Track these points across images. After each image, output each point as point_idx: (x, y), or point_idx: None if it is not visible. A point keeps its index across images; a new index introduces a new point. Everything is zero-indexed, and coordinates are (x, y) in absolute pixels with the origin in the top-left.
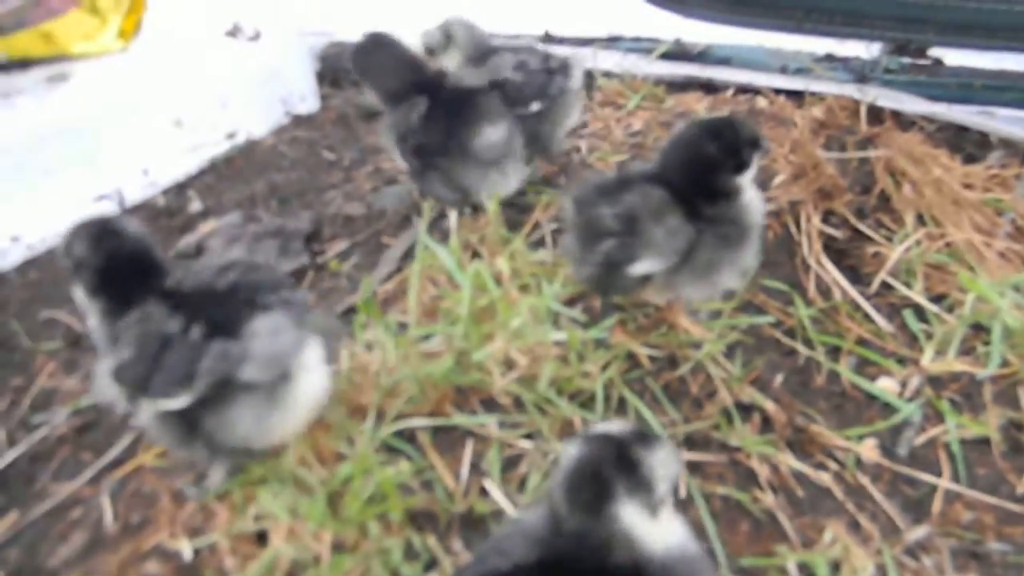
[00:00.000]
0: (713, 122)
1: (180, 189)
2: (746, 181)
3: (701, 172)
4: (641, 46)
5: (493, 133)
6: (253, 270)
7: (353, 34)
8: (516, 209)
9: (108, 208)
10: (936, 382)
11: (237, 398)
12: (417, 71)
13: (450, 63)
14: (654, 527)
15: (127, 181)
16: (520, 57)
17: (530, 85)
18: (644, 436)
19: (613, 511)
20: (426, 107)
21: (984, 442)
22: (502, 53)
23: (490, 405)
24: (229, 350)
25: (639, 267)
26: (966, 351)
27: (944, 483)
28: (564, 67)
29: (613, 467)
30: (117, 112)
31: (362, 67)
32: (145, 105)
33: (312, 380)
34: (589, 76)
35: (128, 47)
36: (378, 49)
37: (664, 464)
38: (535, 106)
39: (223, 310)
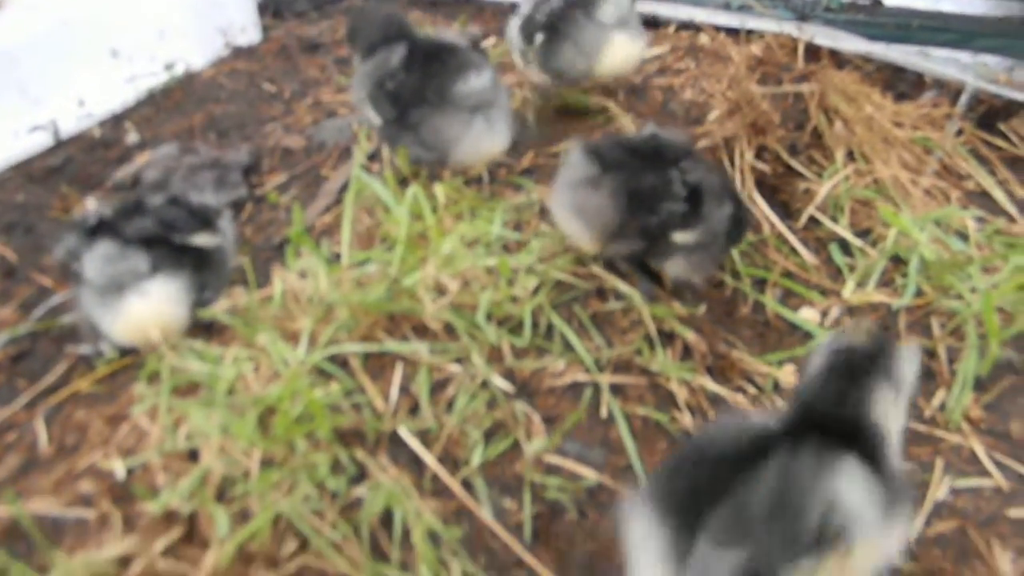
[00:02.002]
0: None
1: (116, 120)
2: None
3: None
4: None
5: (477, 80)
6: None
7: None
8: None
9: (42, 139)
10: (856, 312)
11: None
12: (401, 25)
13: None
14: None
15: (62, 112)
16: None
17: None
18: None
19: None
20: (407, 53)
21: None
22: None
23: (421, 331)
24: None
25: (687, 236)
26: (885, 283)
27: None
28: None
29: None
30: (52, 42)
31: (353, 24)
32: (81, 35)
33: None
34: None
35: None
36: (370, 10)
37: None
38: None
39: None
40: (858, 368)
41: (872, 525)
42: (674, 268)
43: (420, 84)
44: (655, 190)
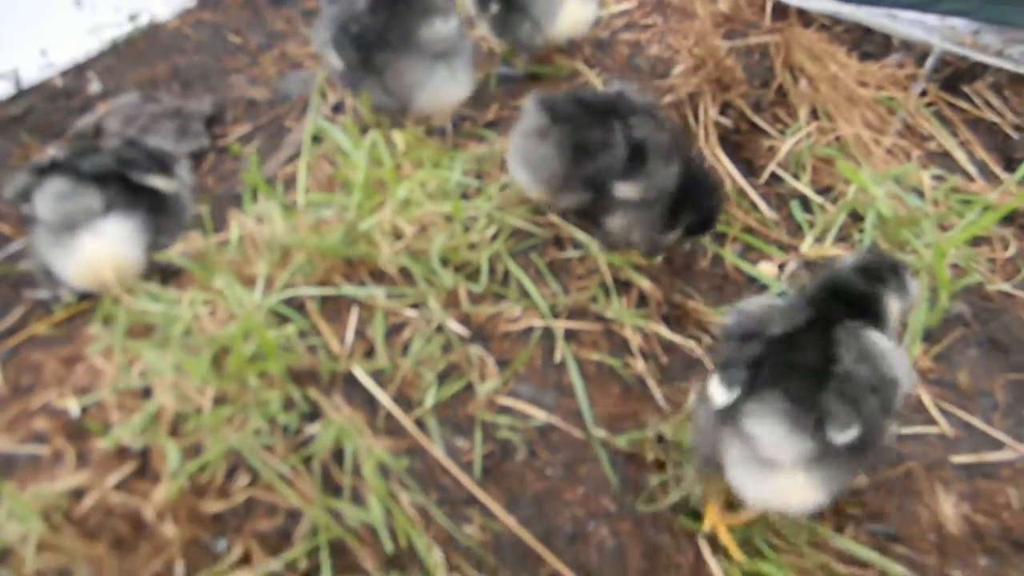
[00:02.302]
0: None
1: (79, 70)
2: None
3: None
4: None
5: (443, 25)
6: None
7: None
8: None
9: (3, 88)
10: (813, 266)
11: None
12: None
13: None
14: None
15: (24, 61)
16: None
17: None
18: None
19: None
20: None
21: None
22: None
23: (378, 276)
24: None
25: (628, 190)
26: (843, 238)
27: None
28: None
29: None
30: None
31: None
32: None
33: None
34: None
35: None
36: None
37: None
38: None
39: None
40: (882, 267)
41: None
42: (615, 223)
43: (385, 28)
44: (597, 143)
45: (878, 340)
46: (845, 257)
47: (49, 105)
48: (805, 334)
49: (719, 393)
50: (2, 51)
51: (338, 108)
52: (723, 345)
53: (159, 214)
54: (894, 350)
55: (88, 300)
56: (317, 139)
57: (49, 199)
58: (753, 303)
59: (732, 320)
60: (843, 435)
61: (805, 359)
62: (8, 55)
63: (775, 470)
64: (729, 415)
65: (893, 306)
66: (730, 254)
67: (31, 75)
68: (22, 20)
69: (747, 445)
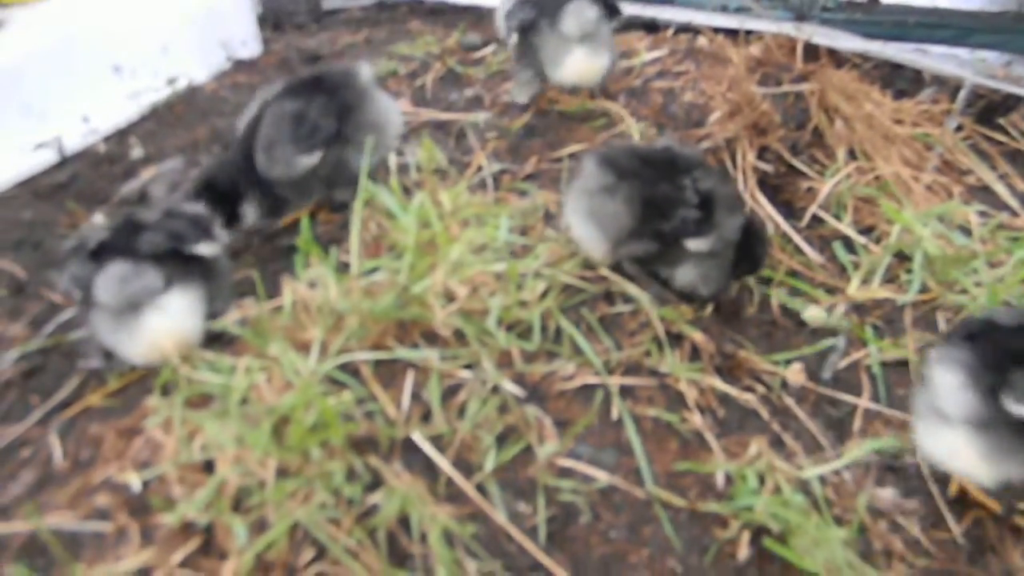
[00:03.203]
0: None
1: (121, 136)
2: None
3: None
4: None
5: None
6: None
7: None
8: (460, 150)
9: (47, 156)
10: (861, 309)
11: None
12: None
13: None
14: None
15: (67, 129)
16: None
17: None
18: None
19: None
20: None
21: (903, 364)
22: None
23: (431, 338)
24: None
25: (700, 244)
26: (890, 279)
27: (864, 403)
28: None
29: None
30: (55, 58)
31: None
32: (83, 51)
33: None
34: None
35: None
36: None
37: None
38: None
39: None
40: None
41: None
42: (684, 276)
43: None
44: (668, 198)
45: None
46: None
47: (93, 172)
48: None
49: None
50: (45, 119)
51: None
52: None
53: (210, 280)
54: None
55: (142, 368)
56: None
57: (112, 283)
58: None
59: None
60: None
61: None
62: (51, 123)
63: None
64: None
65: None
66: (777, 298)
67: (74, 142)
68: (63, 88)
69: None
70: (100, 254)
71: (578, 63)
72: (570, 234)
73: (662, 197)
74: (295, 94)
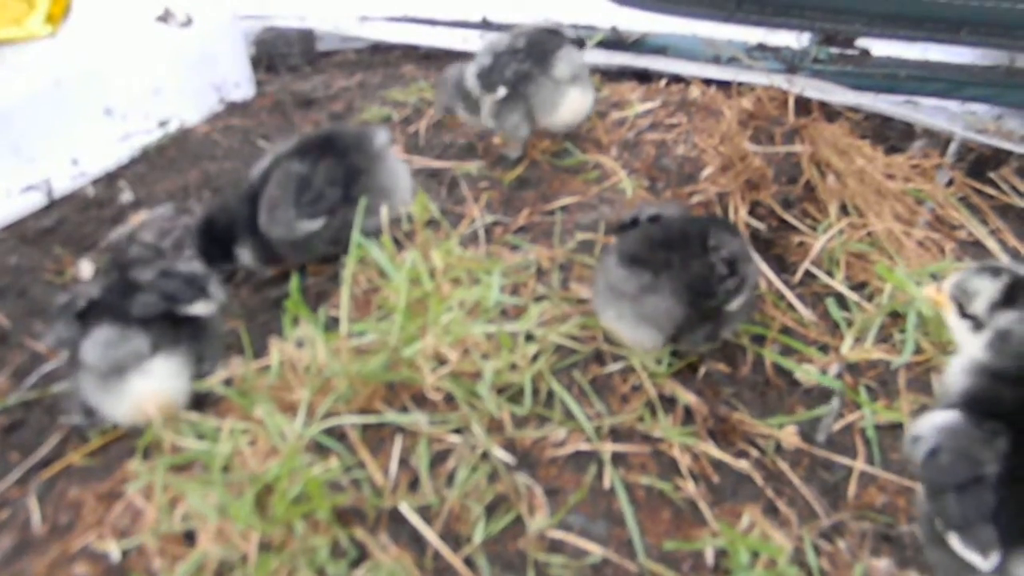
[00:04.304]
0: None
1: (110, 179)
2: None
3: None
4: (577, 33)
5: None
6: None
7: (288, 18)
8: (452, 199)
9: (35, 199)
10: (854, 369)
11: None
12: None
13: None
14: None
15: (56, 171)
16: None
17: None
18: None
19: None
20: None
21: (899, 427)
22: None
23: (419, 400)
24: None
25: (739, 302)
26: (883, 338)
27: (859, 465)
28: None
29: None
30: (45, 99)
31: None
32: (74, 92)
33: None
34: None
35: (56, 32)
36: None
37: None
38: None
39: None
40: None
41: None
42: (728, 332)
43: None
44: (705, 277)
45: None
46: None
47: (81, 216)
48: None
49: (979, 562)
50: (34, 162)
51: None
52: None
53: (200, 340)
54: None
55: (123, 427)
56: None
57: (98, 347)
58: (936, 425)
59: (930, 464)
60: None
61: None
62: (40, 165)
63: None
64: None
65: None
66: (771, 357)
67: (63, 185)
68: (53, 129)
69: None
70: (88, 315)
71: (574, 103)
72: (617, 336)
73: (700, 279)
74: (304, 154)
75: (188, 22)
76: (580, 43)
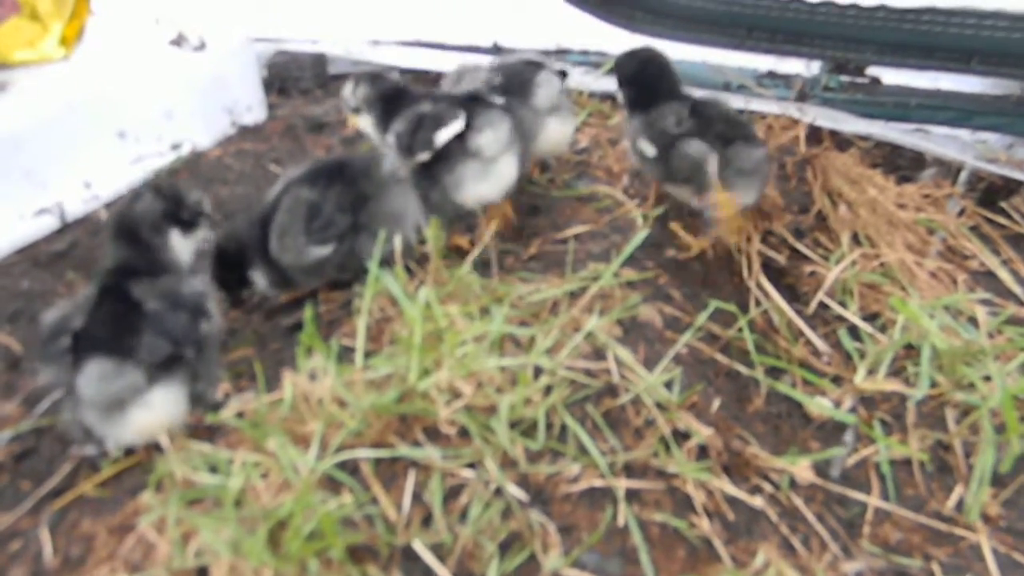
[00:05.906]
0: None
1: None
2: None
3: None
4: (589, 60)
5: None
6: None
7: (300, 42)
8: (464, 226)
9: (48, 223)
10: (868, 402)
11: None
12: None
13: None
14: None
15: (68, 194)
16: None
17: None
18: None
19: None
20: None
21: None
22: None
23: (432, 433)
24: None
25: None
26: (896, 371)
27: (874, 501)
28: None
29: None
30: (58, 123)
31: None
32: (87, 115)
33: None
34: None
35: (70, 55)
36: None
37: None
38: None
39: None
40: None
41: None
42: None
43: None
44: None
45: None
46: None
47: (93, 240)
48: None
49: None
50: (47, 185)
51: None
52: None
53: (197, 361)
54: None
55: (136, 454)
56: None
57: (93, 383)
58: None
59: None
60: None
61: None
62: (52, 189)
63: None
64: None
65: None
66: (789, 388)
67: (76, 208)
68: (66, 152)
69: None
70: (79, 347)
71: (555, 132)
72: None
73: None
74: (315, 181)
75: (201, 46)
76: (562, 74)
